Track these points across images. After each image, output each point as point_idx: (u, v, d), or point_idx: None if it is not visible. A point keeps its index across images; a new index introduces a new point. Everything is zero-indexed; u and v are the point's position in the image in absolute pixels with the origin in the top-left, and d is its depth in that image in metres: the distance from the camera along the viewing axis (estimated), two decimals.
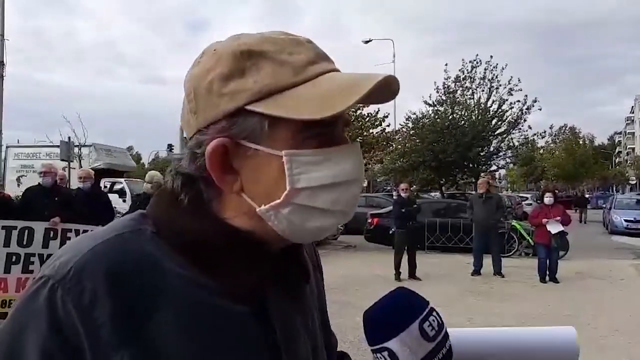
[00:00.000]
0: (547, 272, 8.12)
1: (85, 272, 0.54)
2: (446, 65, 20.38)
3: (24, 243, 5.16)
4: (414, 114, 20.74)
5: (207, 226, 0.60)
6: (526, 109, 19.15)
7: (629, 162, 62.76)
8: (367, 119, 22.25)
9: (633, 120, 70.24)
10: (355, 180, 0.61)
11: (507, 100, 19.27)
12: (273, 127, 0.57)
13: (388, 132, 23.17)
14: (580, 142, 51.54)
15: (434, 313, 0.63)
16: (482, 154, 19.57)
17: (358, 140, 0.63)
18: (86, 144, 16.59)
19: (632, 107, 70.70)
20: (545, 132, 22.52)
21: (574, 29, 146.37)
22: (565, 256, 9.80)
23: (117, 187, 15.34)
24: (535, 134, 20.96)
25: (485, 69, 19.59)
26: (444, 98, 20.20)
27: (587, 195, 33.24)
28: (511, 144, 20.36)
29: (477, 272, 8.79)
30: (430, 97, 20.42)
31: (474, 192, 13.65)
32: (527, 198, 27.55)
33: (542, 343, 0.71)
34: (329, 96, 0.56)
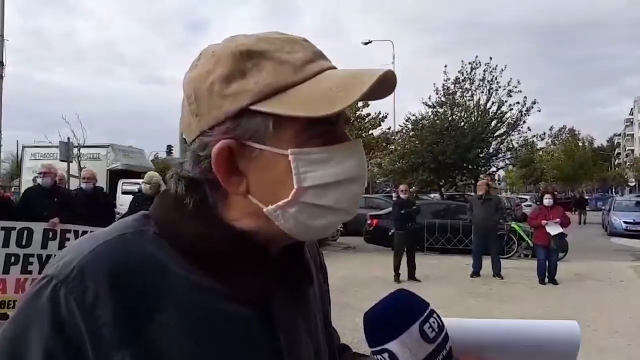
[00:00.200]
0: (547, 274, 8.13)
1: (88, 272, 0.54)
2: (445, 66, 20.44)
3: (23, 244, 5.16)
4: (414, 115, 20.79)
5: (212, 230, 0.60)
6: (525, 110, 19.19)
7: (628, 163, 62.77)
8: (367, 120, 22.25)
9: (632, 122, 70.33)
10: (358, 178, 0.62)
11: (506, 101, 19.33)
12: (277, 127, 0.57)
13: (387, 132, 23.17)
14: (580, 144, 51.60)
15: (434, 315, 0.63)
16: (481, 155, 19.59)
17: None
18: (103, 144, 16.44)
19: (632, 108, 70.81)
20: (544, 133, 22.57)
21: (574, 29, 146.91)
22: (565, 258, 9.80)
23: (134, 187, 15.17)
24: (534, 136, 21.02)
25: (484, 71, 19.64)
26: (443, 99, 20.23)
27: (586, 197, 33.26)
28: (510, 145, 20.40)
29: (476, 273, 8.79)
30: (429, 98, 20.48)
31: (473, 194, 13.66)
32: (526, 199, 27.49)
33: (544, 335, 0.71)
34: (331, 93, 0.56)
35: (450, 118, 19.54)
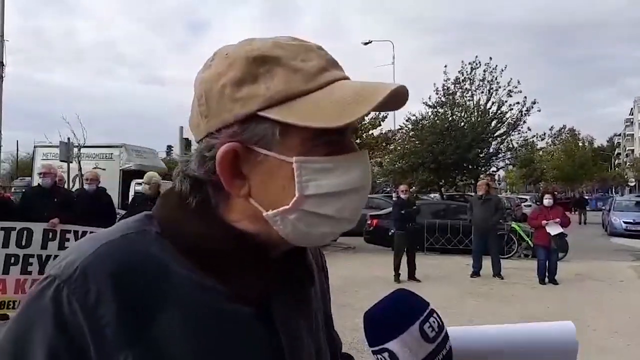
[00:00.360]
0: (547, 274, 8.12)
1: (91, 272, 0.54)
2: (445, 66, 20.40)
3: (23, 244, 5.16)
4: (414, 115, 20.76)
5: (214, 230, 0.61)
6: (525, 110, 19.18)
7: (628, 164, 62.77)
8: (367, 120, 22.24)
9: (632, 122, 70.33)
10: (362, 188, 0.62)
11: (506, 101, 19.31)
12: (284, 134, 0.57)
13: (387, 131, 23.12)
14: (580, 144, 51.57)
15: (434, 314, 0.63)
16: (481, 155, 19.55)
17: (357, 141, 0.64)
18: (117, 144, 16.35)
19: (632, 108, 70.81)
20: (545, 134, 22.54)
21: (574, 29, 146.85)
22: (565, 258, 9.80)
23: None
24: (534, 136, 21.01)
25: (484, 71, 19.62)
26: (443, 100, 20.21)
27: (586, 197, 33.25)
28: (510, 145, 20.38)
29: (476, 273, 8.78)
30: (429, 98, 20.45)
31: (473, 194, 13.65)
32: (526, 200, 27.49)
33: (542, 338, 0.71)
34: (342, 104, 0.56)
35: (450, 118, 19.51)
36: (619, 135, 79.60)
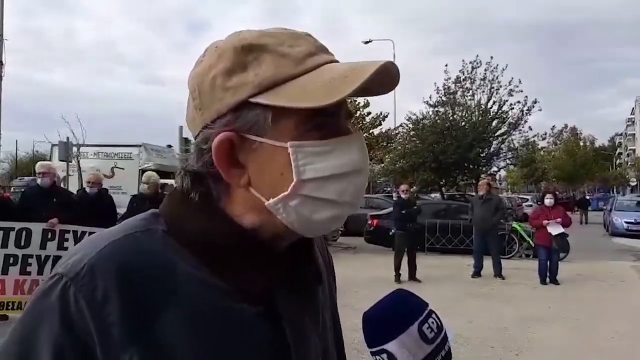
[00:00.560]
0: (548, 274, 8.12)
1: (98, 270, 0.55)
2: (446, 66, 20.41)
3: (22, 244, 5.16)
4: (414, 114, 20.76)
5: (217, 226, 0.61)
6: (527, 110, 19.17)
7: (629, 163, 62.79)
8: (368, 120, 22.28)
9: (634, 122, 70.35)
10: (360, 170, 0.62)
11: (507, 101, 19.30)
12: (277, 119, 0.57)
13: (388, 130, 23.16)
14: (581, 144, 51.60)
15: (433, 315, 0.62)
16: (482, 155, 19.55)
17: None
18: (135, 143, 16.27)
19: (633, 108, 70.81)
20: (546, 133, 22.55)
21: (575, 29, 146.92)
22: (566, 258, 9.79)
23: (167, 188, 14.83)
24: (535, 136, 21.01)
25: (485, 70, 19.62)
26: (444, 99, 20.21)
27: (587, 197, 33.25)
28: (511, 145, 20.38)
29: (477, 273, 8.78)
30: (430, 98, 20.45)
31: (474, 194, 13.65)
32: (527, 199, 27.53)
33: None
34: (331, 84, 0.56)
35: (451, 117, 19.51)
36: (621, 135, 79.59)
